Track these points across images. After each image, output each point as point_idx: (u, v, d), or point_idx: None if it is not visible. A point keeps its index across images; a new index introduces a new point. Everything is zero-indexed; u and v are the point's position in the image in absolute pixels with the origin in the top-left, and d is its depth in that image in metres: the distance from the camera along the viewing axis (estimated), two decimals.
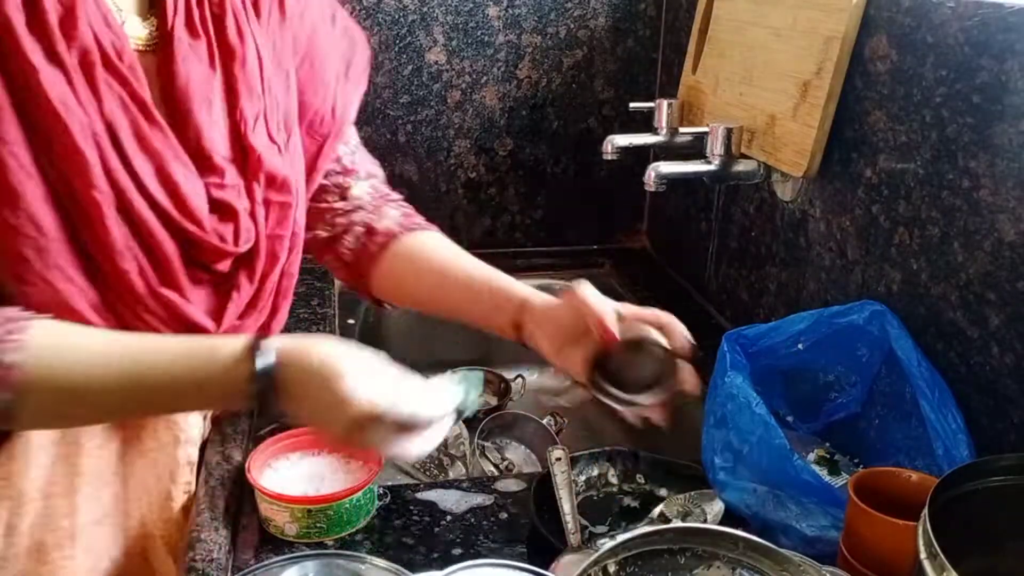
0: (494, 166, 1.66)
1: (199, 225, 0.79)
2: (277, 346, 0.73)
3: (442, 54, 1.57)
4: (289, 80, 0.91)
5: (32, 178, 0.70)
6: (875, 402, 0.95)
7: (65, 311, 0.72)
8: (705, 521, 0.87)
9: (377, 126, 1.59)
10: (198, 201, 0.79)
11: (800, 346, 0.96)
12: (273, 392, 0.72)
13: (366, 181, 1.04)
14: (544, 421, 1.33)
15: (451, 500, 0.93)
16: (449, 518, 0.90)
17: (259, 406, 0.73)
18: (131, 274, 0.76)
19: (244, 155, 0.83)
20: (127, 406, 0.76)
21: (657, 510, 0.90)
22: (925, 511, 0.60)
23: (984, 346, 0.84)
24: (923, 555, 0.58)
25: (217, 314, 0.82)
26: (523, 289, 0.94)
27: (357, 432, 0.72)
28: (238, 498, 0.92)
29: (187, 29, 0.81)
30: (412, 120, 1.60)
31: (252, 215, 0.84)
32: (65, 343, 0.71)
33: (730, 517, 0.86)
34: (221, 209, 0.81)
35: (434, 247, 1.01)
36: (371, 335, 1.46)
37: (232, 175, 0.82)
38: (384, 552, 0.84)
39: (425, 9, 1.53)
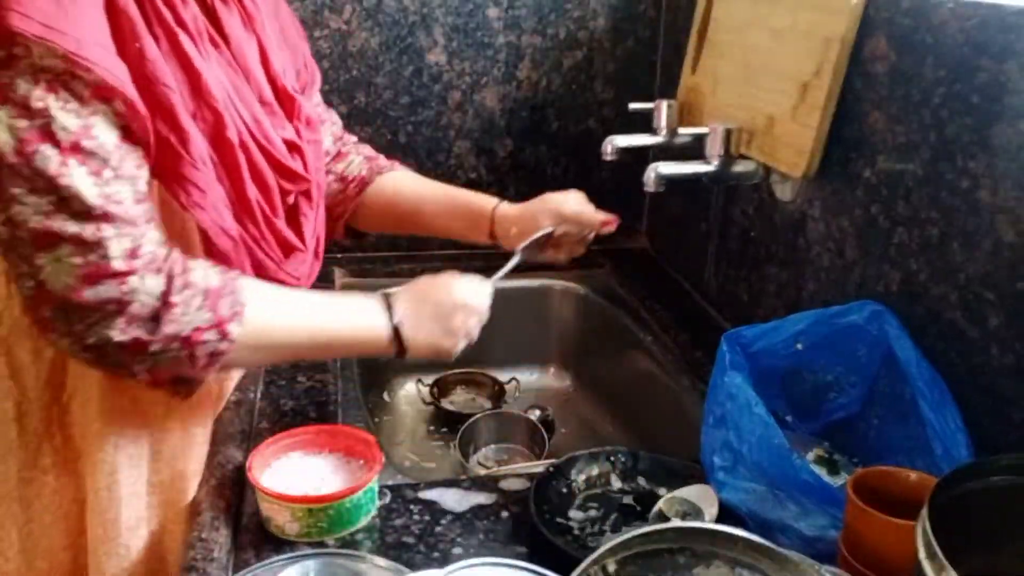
0: (494, 167, 1.66)
1: (284, 159, 0.91)
2: (397, 293, 0.94)
3: (442, 55, 1.57)
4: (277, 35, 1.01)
5: (192, 123, 0.79)
6: (874, 402, 0.95)
7: (221, 235, 0.83)
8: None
9: (377, 127, 1.59)
10: (278, 141, 0.91)
11: (799, 346, 0.96)
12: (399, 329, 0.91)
13: (328, 130, 1.15)
14: (528, 415, 1.33)
15: (452, 499, 0.93)
16: (450, 517, 0.90)
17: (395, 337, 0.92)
18: (252, 202, 0.86)
19: (284, 102, 0.94)
20: (309, 353, 1.00)
21: (656, 507, 0.90)
22: (924, 511, 0.60)
23: (983, 346, 0.84)
24: (922, 555, 0.58)
25: (299, 238, 0.95)
26: (489, 202, 1.15)
27: (462, 320, 0.95)
28: (239, 497, 0.92)
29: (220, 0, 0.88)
30: (412, 121, 1.60)
31: (303, 152, 0.95)
32: (269, 302, 0.85)
33: (729, 516, 0.86)
34: (289, 146, 0.93)
35: (404, 182, 1.18)
36: None
37: (282, 119, 0.94)
38: (385, 551, 0.85)
39: (425, 10, 1.54)
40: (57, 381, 0.85)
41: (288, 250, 0.94)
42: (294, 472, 0.92)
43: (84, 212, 0.71)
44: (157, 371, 0.78)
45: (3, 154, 0.69)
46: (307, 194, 0.97)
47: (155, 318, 0.74)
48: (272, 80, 0.93)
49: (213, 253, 0.84)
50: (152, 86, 0.75)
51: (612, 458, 0.99)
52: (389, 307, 0.92)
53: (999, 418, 0.82)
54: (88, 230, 0.71)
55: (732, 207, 1.34)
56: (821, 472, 0.95)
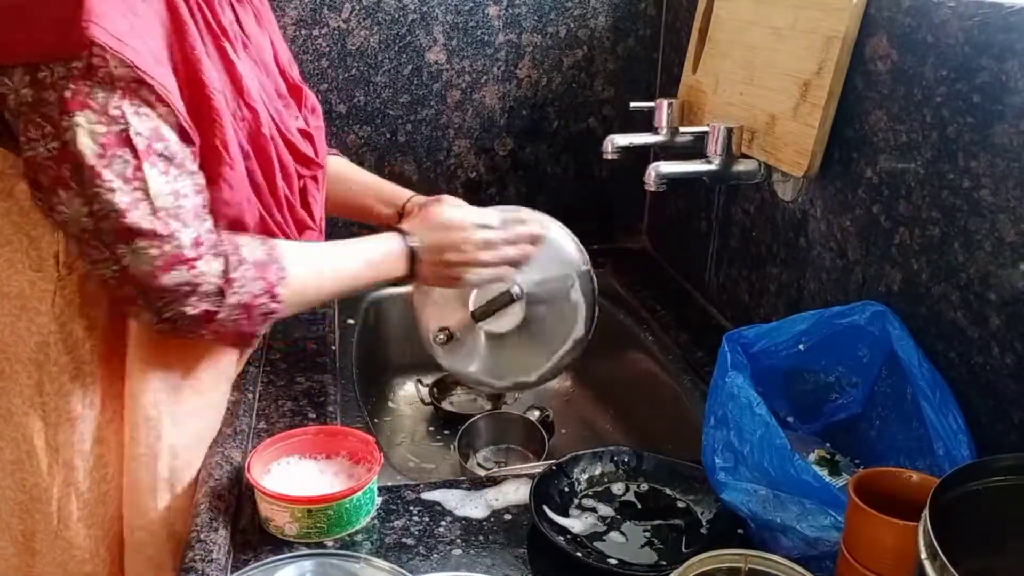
0: (494, 166, 1.66)
1: (302, 147, 0.99)
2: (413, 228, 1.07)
3: (442, 53, 1.57)
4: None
5: (232, 123, 0.87)
6: (876, 403, 0.95)
7: (249, 216, 0.91)
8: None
9: (377, 125, 1.59)
10: (294, 130, 0.99)
11: (801, 346, 0.95)
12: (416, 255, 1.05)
13: None
14: (527, 415, 1.33)
15: (452, 500, 0.93)
16: (449, 518, 0.90)
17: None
18: (280, 191, 0.95)
19: (294, 93, 1.03)
20: (340, 294, 1.08)
21: None
22: (926, 511, 0.60)
23: (985, 346, 0.84)
24: (924, 555, 0.58)
25: (313, 219, 1.04)
26: (404, 193, 1.24)
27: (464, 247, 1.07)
28: (238, 498, 0.92)
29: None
30: (412, 120, 1.60)
31: (313, 138, 1.03)
32: (305, 261, 0.95)
33: (730, 517, 0.86)
34: (302, 134, 1.01)
35: (341, 164, 1.26)
36: (371, 335, 1.46)
37: (295, 109, 1.02)
38: (384, 552, 0.84)
39: (425, 8, 1.53)
40: (110, 355, 0.91)
41: (302, 230, 1.02)
42: (293, 473, 0.92)
43: (157, 209, 0.79)
44: (223, 333, 0.88)
45: (85, 157, 0.75)
46: (315, 178, 1.03)
47: (220, 293, 0.84)
48: (283, 73, 1.01)
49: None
50: (204, 90, 0.83)
51: (616, 458, 0.99)
52: (404, 234, 1.05)
53: (1000, 418, 0.82)
54: (161, 225, 0.79)
55: (733, 206, 1.34)
56: (822, 473, 0.94)
